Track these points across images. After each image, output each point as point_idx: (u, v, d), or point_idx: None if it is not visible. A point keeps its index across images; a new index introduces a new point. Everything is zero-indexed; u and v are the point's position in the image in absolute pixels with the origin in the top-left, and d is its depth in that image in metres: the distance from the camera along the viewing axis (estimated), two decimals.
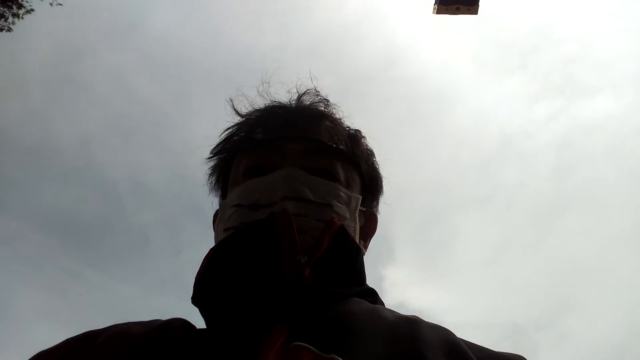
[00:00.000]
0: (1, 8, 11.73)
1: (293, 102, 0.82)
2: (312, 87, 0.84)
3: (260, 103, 0.82)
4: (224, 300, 0.61)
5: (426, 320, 0.57)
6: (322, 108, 0.82)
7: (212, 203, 0.85)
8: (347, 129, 0.82)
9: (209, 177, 0.86)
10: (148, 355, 0.56)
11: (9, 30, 11.97)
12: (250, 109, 0.82)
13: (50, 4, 12.03)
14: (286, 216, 0.62)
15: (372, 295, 0.68)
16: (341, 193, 0.72)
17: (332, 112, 0.82)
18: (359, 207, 0.75)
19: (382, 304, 0.69)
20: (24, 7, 11.92)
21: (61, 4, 12.15)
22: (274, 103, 0.82)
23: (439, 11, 2.78)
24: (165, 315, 0.66)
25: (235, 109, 0.82)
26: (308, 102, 0.83)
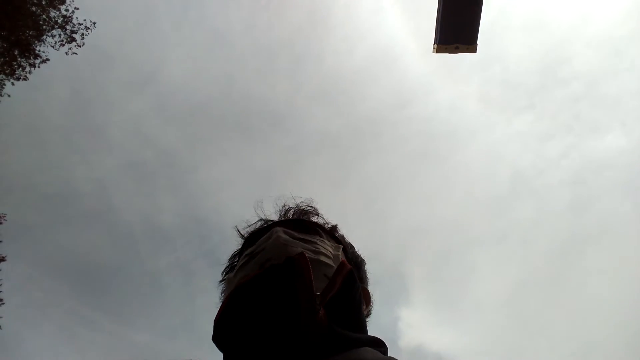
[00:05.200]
0: (19, 59, 12.18)
1: (282, 212, 0.99)
2: (295, 204, 1.00)
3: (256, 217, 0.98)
4: (243, 341, 0.65)
5: None
6: (304, 208, 1.00)
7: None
8: (327, 222, 0.97)
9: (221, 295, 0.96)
10: None
11: (25, 79, 12.40)
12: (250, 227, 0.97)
13: (66, 54, 12.51)
14: (304, 259, 0.68)
15: (382, 346, 0.70)
16: (324, 239, 0.84)
17: (314, 212, 0.99)
18: (340, 254, 0.82)
19: (386, 354, 0.72)
20: (40, 56, 12.39)
21: (76, 53, 12.64)
22: (267, 220, 0.98)
23: (438, 50, 2.77)
24: None
25: (240, 233, 0.97)
26: (293, 209, 1.00)
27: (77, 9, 12.63)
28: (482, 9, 2.27)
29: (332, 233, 0.93)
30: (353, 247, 0.98)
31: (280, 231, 0.81)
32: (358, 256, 0.96)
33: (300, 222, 0.92)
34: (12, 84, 12.36)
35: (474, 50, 2.57)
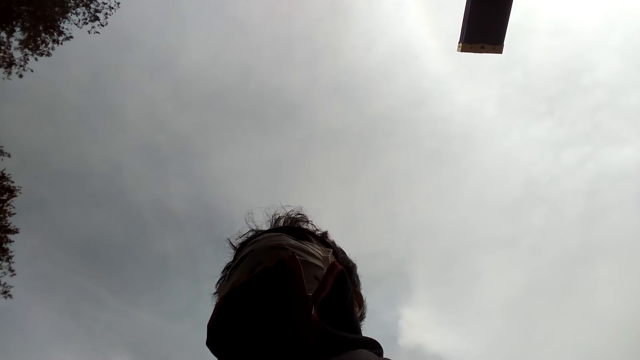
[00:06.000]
0: (43, 35, 12.34)
1: (273, 221, 1.01)
2: (285, 212, 1.02)
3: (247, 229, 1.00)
4: (238, 345, 0.65)
5: None
6: (294, 216, 1.02)
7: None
8: (318, 228, 1.00)
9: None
10: None
11: (48, 55, 12.55)
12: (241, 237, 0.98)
13: (88, 32, 12.63)
14: (295, 260, 0.68)
15: (377, 348, 0.70)
16: (314, 244, 0.86)
17: (304, 218, 1.01)
18: (330, 257, 0.84)
19: (382, 355, 0.72)
20: (64, 34, 12.53)
21: (98, 32, 12.76)
22: (258, 230, 0.99)
23: (463, 49, 2.75)
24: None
25: (232, 245, 0.97)
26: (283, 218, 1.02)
27: None
28: (511, 10, 2.25)
29: (322, 239, 0.94)
30: (344, 252, 0.98)
31: (270, 235, 0.82)
32: (349, 261, 0.97)
33: (291, 230, 0.92)
34: (36, 59, 12.54)
35: (499, 51, 2.55)
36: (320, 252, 0.82)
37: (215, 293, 0.95)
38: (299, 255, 0.74)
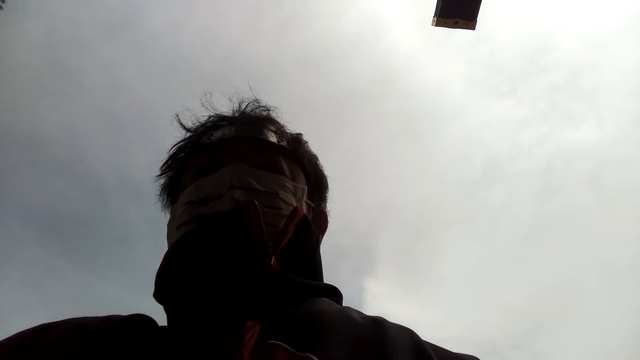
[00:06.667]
0: None
1: (236, 113, 0.86)
2: (253, 97, 0.88)
3: (204, 115, 0.86)
4: (190, 296, 0.60)
5: (391, 321, 0.58)
6: (265, 114, 0.86)
7: (165, 219, 0.83)
8: (290, 132, 0.86)
9: (160, 194, 0.86)
10: (107, 352, 0.53)
11: (0, 8, 11.78)
12: (196, 123, 0.85)
13: None
14: (253, 206, 0.62)
15: (338, 295, 0.69)
16: (286, 183, 0.75)
17: (275, 117, 0.86)
18: (304, 198, 0.78)
19: (341, 303, 0.70)
20: None
21: None
22: (218, 115, 0.85)
23: (437, 23, 2.78)
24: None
25: (182, 124, 0.85)
26: (250, 110, 0.86)
27: None
28: None
29: (296, 156, 0.81)
30: (317, 158, 0.88)
31: (237, 176, 0.70)
32: (321, 174, 0.87)
33: (259, 144, 0.77)
34: None
35: (472, 27, 2.59)
36: (293, 200, 0.73)
37: (159, 175, 0.85)
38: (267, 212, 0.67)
